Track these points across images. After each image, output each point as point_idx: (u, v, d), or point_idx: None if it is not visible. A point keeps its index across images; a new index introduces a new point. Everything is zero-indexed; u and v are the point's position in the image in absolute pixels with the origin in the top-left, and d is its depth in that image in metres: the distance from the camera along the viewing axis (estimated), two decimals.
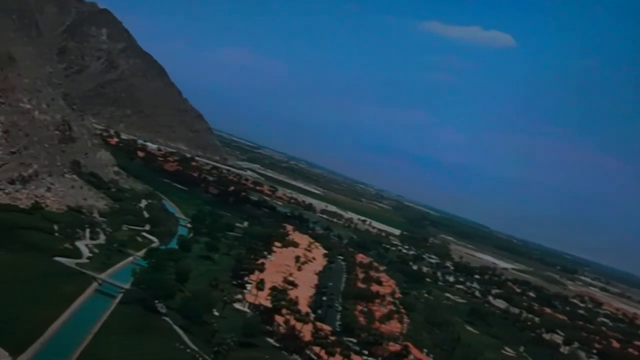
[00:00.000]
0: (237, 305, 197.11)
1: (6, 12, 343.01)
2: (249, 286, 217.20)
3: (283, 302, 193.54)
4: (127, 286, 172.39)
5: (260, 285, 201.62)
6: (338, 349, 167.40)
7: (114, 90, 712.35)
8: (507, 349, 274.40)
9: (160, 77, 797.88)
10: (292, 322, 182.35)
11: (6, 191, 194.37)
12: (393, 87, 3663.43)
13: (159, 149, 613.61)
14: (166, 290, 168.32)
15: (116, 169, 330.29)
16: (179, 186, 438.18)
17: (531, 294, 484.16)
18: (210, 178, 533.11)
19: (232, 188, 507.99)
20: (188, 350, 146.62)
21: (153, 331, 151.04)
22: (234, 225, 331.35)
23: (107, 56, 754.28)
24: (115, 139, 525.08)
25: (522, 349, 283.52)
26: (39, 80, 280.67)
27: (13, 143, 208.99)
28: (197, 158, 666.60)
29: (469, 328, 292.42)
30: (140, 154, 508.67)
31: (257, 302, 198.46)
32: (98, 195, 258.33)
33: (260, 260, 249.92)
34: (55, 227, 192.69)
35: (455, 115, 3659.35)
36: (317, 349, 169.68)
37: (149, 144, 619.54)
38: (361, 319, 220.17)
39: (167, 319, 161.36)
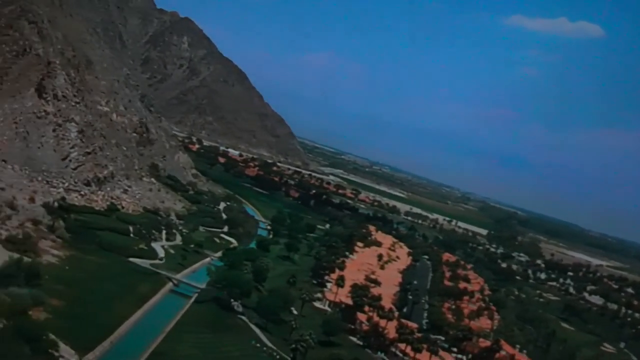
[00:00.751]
0: (317, 304, 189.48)
1: (91, 24, 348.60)
2: (329, 285, 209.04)
3: (365, 299, 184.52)
4: (203, 286, 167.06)
5: (340, 282, 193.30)
6: (425, 346, 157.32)
7: (196, 98, 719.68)
8: (606, 345, 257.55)
9: (241, 82, 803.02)
10: (376, 319, 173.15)
11: (82, 193, 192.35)
12: (477, 85, 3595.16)
13: (240, 155, 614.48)
14: (243, 289, 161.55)
15: (194, 171, 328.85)
16: (260, 190, 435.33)
17: (629, 290, 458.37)
18: (292, 182, 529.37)
19: (313, 191, 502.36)
20: (265, 349, 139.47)
21: (229, 330, 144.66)
22: (314, 227, 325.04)
23: (189, 64, 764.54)
24: (197, 146, 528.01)
25: (622, 345, 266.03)
26: (117, 83, 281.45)
27: (88, 143, 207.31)
28: (278, 163, 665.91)
29: (564, 325, 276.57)
30: (221, 159, 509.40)
31: (337, 300, 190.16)
32: (175, 198, 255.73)
33: (341, 260, 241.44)
34: (131, 229, 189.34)
35: (542, 111, 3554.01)
36: (402, 346, 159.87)
37: (230, 150, 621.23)
38: (449, 316, 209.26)
39: (243, 317, 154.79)
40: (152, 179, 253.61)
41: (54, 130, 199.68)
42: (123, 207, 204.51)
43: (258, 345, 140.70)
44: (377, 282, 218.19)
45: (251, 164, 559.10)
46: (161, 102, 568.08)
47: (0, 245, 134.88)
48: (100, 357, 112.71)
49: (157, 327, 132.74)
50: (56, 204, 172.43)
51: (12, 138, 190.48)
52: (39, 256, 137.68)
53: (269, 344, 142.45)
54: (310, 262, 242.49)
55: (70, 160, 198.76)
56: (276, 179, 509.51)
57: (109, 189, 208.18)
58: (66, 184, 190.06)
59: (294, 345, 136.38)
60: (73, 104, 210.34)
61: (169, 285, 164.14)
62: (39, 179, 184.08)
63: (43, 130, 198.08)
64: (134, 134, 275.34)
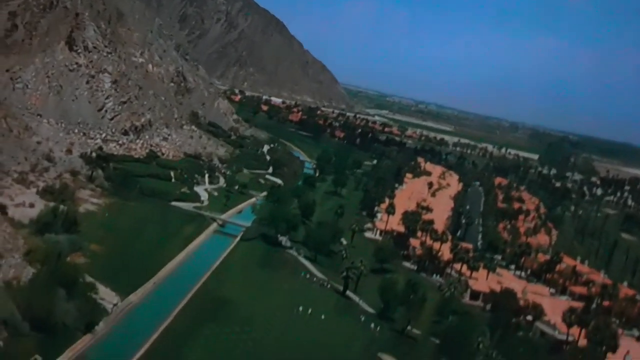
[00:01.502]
0: (368, 234, 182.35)
1: None
2: (379, 215, 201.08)
3: (418, 224, 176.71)
4: (249, 224, 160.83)
5: (391, 210, 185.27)
6: (481, 264, 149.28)
7: (236, 50, 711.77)
8: None
9: (280, 32, 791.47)
10: (429, 243, 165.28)
11: (120, 142, 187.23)
12: (521, 13, 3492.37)
13: (283, 102, 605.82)
14: (290, 224, 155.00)
15: (235, 117, 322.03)
16: (304, 133, 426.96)
17: None
18: (336, 124, 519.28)
19: (359, 131, 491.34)
20: (315, 279, 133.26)
21: (277, 264, 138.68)
22: (361, 163, 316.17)
23: (226, 17, 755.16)
24: (239, 96, 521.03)
25: None
26: (150, 34, 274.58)
27: (123, 93, 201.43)
28: (322, 108, 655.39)
29: (625, 236, 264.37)
30: (264, 107, 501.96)
31: (389, 229, 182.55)
32: (217, 143, 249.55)
33: (391, 191, 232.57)
34: (172, 174, 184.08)
35: (586, 36, 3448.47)
36: (458, 266, 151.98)
37: (273, 98, 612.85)
38: (504, 235, 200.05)
39: (291, 251, 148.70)
40: (193, 127, 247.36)
41: (87, 82, 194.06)
42: (163, 154, 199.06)
43: (308, 276, 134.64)
44: (428, 209, 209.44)
45: (294, 109, 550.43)
46: (201, 58, 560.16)
47: (38, 196, 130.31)
48: (143, 298, 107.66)
49: (202, 267, 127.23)
50: (94, 155, 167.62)
51: (46, 93, 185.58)
52: (77, 205, 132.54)
53: (320, 275, 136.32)
54: (359, 196, 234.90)
55: (106, 111, 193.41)
56: (320, 122, 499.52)
57: (147, 137, 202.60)
58: (103, 135, 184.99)
59: (345, 274, 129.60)
60: (105, 54, 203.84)
61: (214, 226, 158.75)
62: (76, 131, 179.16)
63: (76, 82, 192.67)
64: (172, 84, 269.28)
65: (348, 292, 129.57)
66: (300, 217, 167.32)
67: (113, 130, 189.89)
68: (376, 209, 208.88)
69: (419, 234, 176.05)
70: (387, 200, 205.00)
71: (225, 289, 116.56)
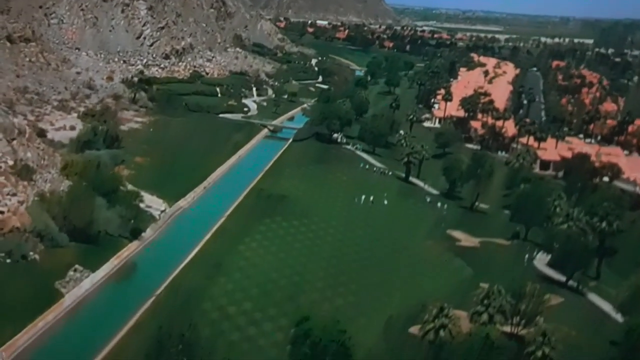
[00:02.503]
0: (426, 124, 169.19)
1: None
2: (436, 106, 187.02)
3: (478, 105, 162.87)
4: (300, 127, 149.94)
5: (448, 97, 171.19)
6: (549, 135, 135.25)
7: None
8: None
9: None
10: (491, 121, 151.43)
11: (161, 66, 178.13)
12: None
13: (329, 24, 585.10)
14: (343, 120, 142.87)
15: (280, 36, 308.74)
16: (352, 47, 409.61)
17: None
18: (385, 36, 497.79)
19: (408, 39, 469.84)
20: (375, 169, 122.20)
21: (334, 159, 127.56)
22: (412, 64, 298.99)
23: None
24: (284, 22, 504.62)
25: None
26: None
27: (160, 19, 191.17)
28: (369, 25, 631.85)
29: None
30: (310, 29, 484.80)
31: (447, 115, 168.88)
32: (264, 61, 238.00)
33: (446, 82, 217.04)
34: (218, 90, 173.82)
35: None
36: (524, 140, 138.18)
37: (318, 21, 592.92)
38: (569, 108, 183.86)
39: (348, 147, 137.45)
40: (237, 49, 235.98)
41: (122, 11, 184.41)
42: (207, 74, 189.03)
43: (367, 167, 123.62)
44: (486, 94, 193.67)
45: (341, 28, 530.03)
46: None
47: (79, 120, 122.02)
48: (193, 202, 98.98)
49: (255, 169, 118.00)
50: (135, 79, 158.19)
51: (82, 26, 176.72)
52: (120, 124, 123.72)
53: (379, 165, 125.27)
54: (413, 93, 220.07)
55: (144, 38, 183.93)
56: (368, 36, 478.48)
57: (189, 59, 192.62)
58: (144, 61, 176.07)
59: (406, 160, 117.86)
60: None
61: (265, 131, 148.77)
62: (115, 59, 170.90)
63: (111, 13, 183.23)
64: (211, 10, 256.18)
65: (410, 178, 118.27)
66: (354, 114, 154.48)
67: (154, 55, 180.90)
68: (433, 100, 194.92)
69: (479, 116, 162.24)
70: (443, 91, 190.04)
71: (280, 186, 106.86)
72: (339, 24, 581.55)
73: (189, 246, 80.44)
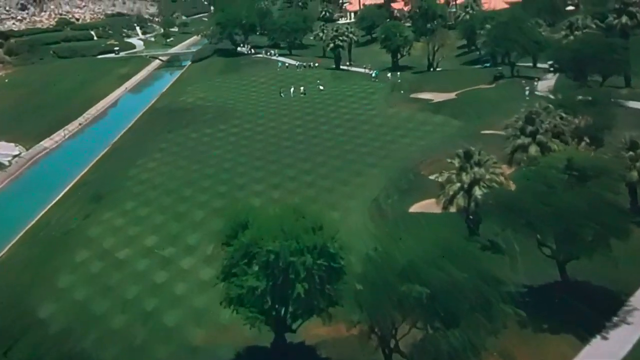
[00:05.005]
0: (341, 22, 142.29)
1: None
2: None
3: None
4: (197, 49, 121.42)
5: None
6: None
7: None
8: None
9: None
10: None
11: (18, 18, 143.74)
12: None
13: None
14: (247, 27, 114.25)
15: None
16: None
17: None
18: None
19: None
20: (297, 65, 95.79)
21: (244, 67, 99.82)
22: None
23: None
24: None
25: None
26: None
27: None
28: None
29: None
30: None
31: (362, 7, 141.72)
32: (147, 4, 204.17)
33: None
34: (93, 33, 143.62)
35: None
36: None
37: None
38: None
39: (259, 55, 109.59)
40: None
41: None
42: (78, 19, 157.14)
43: (287, 66, 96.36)
44: None
45: None
46: None
47: None
48: (63, 141, 71.21)
49: (149, 94, 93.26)
50: None
51: None
52: None
53: (300, 63, 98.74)
54: None
55: None
56: None
57: (53, 7, 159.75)
58: None
59: (332, 44, 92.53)
60: None
61: (157, 62, 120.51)
62: None
63: None
64: None
65: (342, 67, 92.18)
66: (256, 18, 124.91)
67: (7, 8, 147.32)
68: None
69: None
70: None
71: (183, 101, 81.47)
72: None
73: (54, 188, 53.17)
